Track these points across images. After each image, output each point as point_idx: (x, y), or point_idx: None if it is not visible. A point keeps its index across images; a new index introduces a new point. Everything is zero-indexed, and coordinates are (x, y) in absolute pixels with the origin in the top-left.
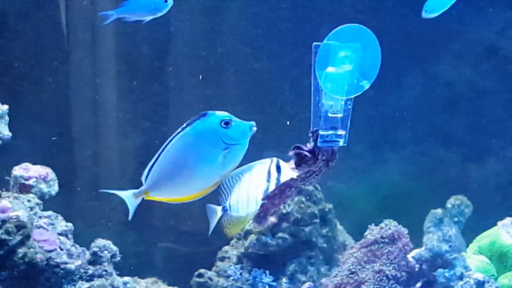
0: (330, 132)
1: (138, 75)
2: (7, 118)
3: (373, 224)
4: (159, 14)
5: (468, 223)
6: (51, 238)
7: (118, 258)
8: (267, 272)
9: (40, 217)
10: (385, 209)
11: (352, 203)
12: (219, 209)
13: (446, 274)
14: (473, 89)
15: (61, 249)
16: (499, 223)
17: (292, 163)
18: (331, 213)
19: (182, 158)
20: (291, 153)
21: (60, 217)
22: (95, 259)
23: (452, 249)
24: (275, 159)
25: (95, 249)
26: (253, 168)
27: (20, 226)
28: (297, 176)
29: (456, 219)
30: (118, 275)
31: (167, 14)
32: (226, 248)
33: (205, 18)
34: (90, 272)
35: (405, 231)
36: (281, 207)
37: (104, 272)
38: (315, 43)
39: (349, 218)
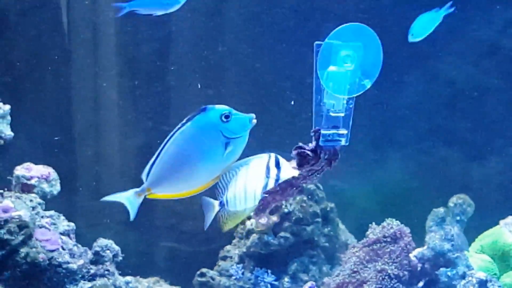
0: (332, 131)
1: (139, 75)
2: (9, 118)
3: (374, 223)
4: (170, 10)
5: (470, 222)
6: (53, 237)
7: (120, 258)
8: (269, 271)
9: (42, 216)
10: (387, 208)
11: (354, 202)
12: (216, 203)
13: (449, 273)
14: (475, 87)
15: (63, 249)
16: (502, 222)
17: (293, 163)
18: (333, 212)
19: (183, 153)
20: (293, 153)
21: (62, 217)
22: (97, 259)
23: (455, 248)
24: (273, 155)
25: (97, 248)
26: (250, 162)
27: (22, 225)
28: (299, 174)
29: (458, 218)
30: (120, 274)
31: (169, 13)
32: (228, 247)
33: (206, 17)
34: (92, 271)
35: (407, 230)
36: (282, 204)
37: (106, 272)
38: (316, 42)
39: (351, 217)
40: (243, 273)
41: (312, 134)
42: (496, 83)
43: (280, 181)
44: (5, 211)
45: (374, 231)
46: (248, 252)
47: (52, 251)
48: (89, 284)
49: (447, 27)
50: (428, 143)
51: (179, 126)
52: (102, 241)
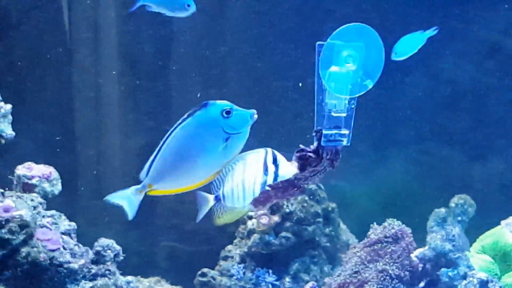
0: (334, 131)
1: (141, 74)
2: (10, 117)
3: (375, 224)
4: (179, 15)
5: (472, 222)
6: (54, 237)
7: (121, 258)
8: (270, 271)
9: (43, 216)
10: (388, 208)
11: (355, 202)
12: (211, 197)
13: (450, 274)
14: (476, 87)
15: (64, 249)
16: (503, 222)
17: (294, 163)
18: (334, 212)
19: (184, 148)
20: (295, 157)
21: (63, 216)
22: (98, 259)
23: (456, 249)
24: (269, 150)
25: (98, 248)
26: (246, 157)
27: (23, 225)
28: (301, 175)
29: (459, 218)
30: (121, 274)
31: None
32: (229, 247)
33: (208, 17)
34: (93, 271)
35: (408, 230)
36: (283, 204)
37: (107, 272)
38: (318, 42)
39: (352, 217)
40: (244, 273)
41: (314, 134)
42: (497, 83)
43: (279, 178)
44: (6, 210)
45: (375, 231)
46: (250, 252)
47: (53, 250)
48: (90, 284)
49: (448, 27)
50: (429, 143)
51: (179, 121)
52: (103, 241)
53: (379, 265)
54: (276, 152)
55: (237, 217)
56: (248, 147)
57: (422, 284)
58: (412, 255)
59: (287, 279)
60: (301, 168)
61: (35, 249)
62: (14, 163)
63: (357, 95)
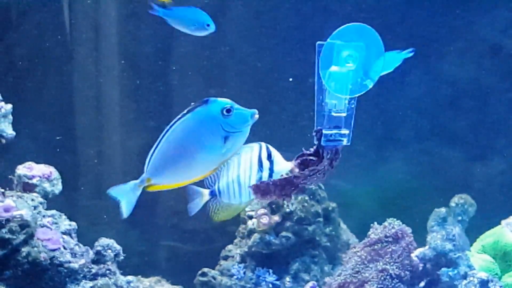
0: (334, 131)
1: (141, 74)
2: (10, 117)
3: (375, 223)
4: (198, 34)
5: (472, 222)
6: (55, 237)
7: (122, 257)
8: (271, 271)
9: (43, 216)
10: (389, 208)
11: (355, 202)
12: (206, 192)
13: (450, 273)
14: (477, 87)
15: (65, 248)
16: (503, 222)
17: (295, 168)
18: (335, 212)
19: (182, 143)
20: (295, 163)
21: (63, 216)
22: (98, 258)
23: (456, 248)
24: (264, 145)
25: (99, 248)
26: (240, 152)
27: (24, 225)
28: (301, 173)
29: (460, 218)
30: (121, 274)
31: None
32: (229, 247)
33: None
34: (93, 271)
35: (408, 230)
36: (283, 203)
37: (107, 271)
38: (318, 42)
39: (353, 217)
40: (244, 273)
41: (314, 134)
42: (498, 83)
43: (274, 175)
44: (7, 210)
45: (376, 231)
46: (250, 252)
47: (54, 250)
48: (91, 284)
49: (449, 27)
50: (430, 143)
51: (179, 116)
52: (103, 241)
53: (379, 264)
54: (271, 147)
55: (234, 214)
56: None
57: (422, 283)
58: (412, 255)
59: (288, 278)
60: (303, 170)
61: (35, 248)
62: (15, 163)
63: (357, 95)
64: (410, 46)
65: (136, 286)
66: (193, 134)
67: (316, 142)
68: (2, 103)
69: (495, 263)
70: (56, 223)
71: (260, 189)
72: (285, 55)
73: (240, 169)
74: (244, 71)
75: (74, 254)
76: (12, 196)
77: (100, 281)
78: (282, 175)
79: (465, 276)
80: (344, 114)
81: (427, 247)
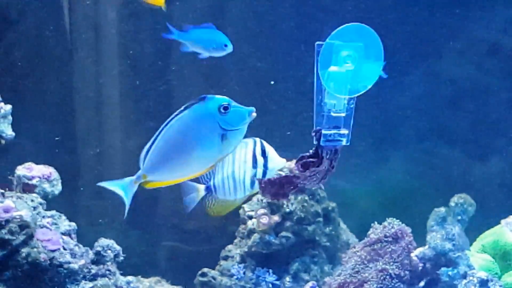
0: (333, 131)
1: (141, 75)
2: (10, 117)
3: (376, 223)
4: (215, 54)
5: (472, 222)
6: (55, 237)
7: (122, 258)
8: (271, 271)
9: (43, 216)
10: (388, 207)
11: (355, 201)
12: (201, 187)
13: (450, 273)
14: (476, 87)
15: (65, 249)
16: (503, 221)
17: (296, 171)
18: (335, 211)
19: (179, 140)
20: (297, 166)
21: (63, 217)
22: (98, 259)
23: (456, 248)
24: (258, 141)
25: (99, 248)
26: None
27: (24, 225)
28: (302, 174)
29: (459, 217)
30: (121, 274)
31: (170, 12)
32: (229, 247)
33: (207, 17)
34: (93, 271)
35: (408, 229)
36: (283, 203)
37: (107, 272)
38: (317, 42)
39: (353, 217)
40: (244, 273)
41: (313, 134)
42: (497, 83)
43: (268, 171)
44: (6, 211)
45: (375, 231)
46: (250, 252)
47: (53, 251)
48: (90, 284)
49: (448, 26)
50: (429, 143)
51: (176, 112)
52: (103, 241)
53: (379, 264)
54: (265, 143)
55: (229, 210)
56: None
57: (422, 283)
58: (412, 255)
59: (288, 278)
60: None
61: (35, 249)
62: (14, 164)
63: (356, 95)
64: (410, 45)
65: (136, 287)
66: (190, 131)
67: (315, 142)
68: (2, 104)
69: (495, 263)
70: (55, 224)
71: (269, 188)
72: (284, 55)
73: (234, 165)
74: (243, 71)
75: (74, 255)
76: (11, 196)
77: (100, 281)
78: (278, 172)
79: (464, 276)
80: (343, 114)
81: (426, 246)
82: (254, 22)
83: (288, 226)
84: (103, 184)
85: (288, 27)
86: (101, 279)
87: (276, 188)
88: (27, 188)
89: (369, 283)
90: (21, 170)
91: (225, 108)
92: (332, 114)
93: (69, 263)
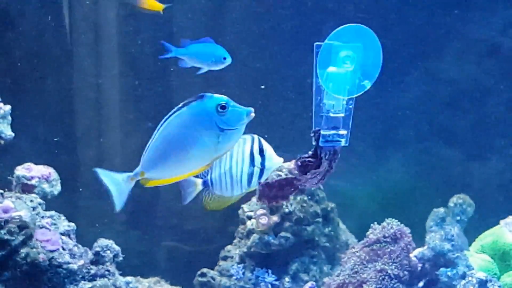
0: (332, 132)
1: (140, 75)
2: (9, 118)
3: (375, 223)
4: (215, 68)
5: (471, 222)
6: (54, 238)
7: (121, 258)
8: (270, 271)
9: (42, 217)
10: (388, 208)
11: (354, 202)
12: (199, 181)
13: (449, 273)
14: (475, 87)
15: (64, 249)
16: (502, 221)
17: (295, 172)
18: (334, 212)
19: (175, 137)
20: (296, 166)
21: (62, 217)
22: (97, 259)
23: (455, 248)
24: (256, 139)
25: (98, 249)
26: None
27: (23, 226)
28: (302, 176)
29: (458, 218)
30: (120, 274)
31: (170, 12)
32: (228, 247)
33: (207, 17)
34: (92, 272)
35: (407, 230)
36: (282, 204)
37: (106, 272)
38: (316, 43)
39: (352, 217)
40: (243, 273)
41: (312, 135)
42: (496, 83)
43: (265, 170)
44: (6, 211)
45: (374, 231)
46: (249, 252)
47: (53, 251)
48: (90, 285)
49: (447, 27)
50: (428, 143)
51: (174, 109)
52: (102, 241)
53: (378, 265)
54: (263, 141)
55: (225, 205)
56: None
57: (421, 284)
58: (411, 255)
59: (287, 279)
60: (302, 174)
61: (34, 249)
62: (14, 164)
63: (355, 96)
64: (409, 45)
65: (135, 287)
66: (187, 129)
67: (314, 143)
68: (1, 104)
69: (494, 263)
70: (55, 224)
71: (266, 193)
72: (283, 55)
73: (232, 161)
74: (243, 72)
75: (73, 255)
76: (11, 197)
77: (99, 282)
78: (277, 172)
79: (463, 276)
80: (342, 115)
81: (425, 247)
82: (253, 23)
83: (287, 226)
84: (100, 172)
85: (287, 27)
86: (100, 279)
87: (275, 191)
88: (26, 188)
89: (368, 283)
90: (20, 171)
91: (223, 107)
92: (331, 114)
93: (68, 263)
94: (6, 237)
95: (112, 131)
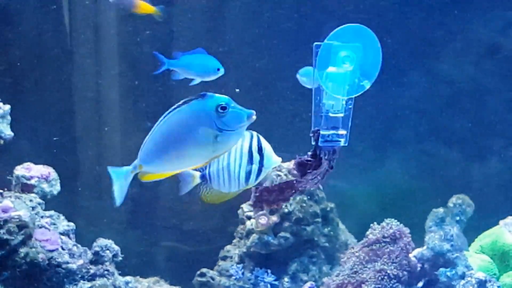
0: (331, 132)
1: (140, 75)
2: (9, 117)
3: (375, 223)
4: (208, 79)
5: (470, 222)
6: (53, 237)
7: (120, 258)
8: (269, 271)
9: (42, 216)
10: (387, 208)
11: (354, 202)
12: (197, 174)
13: (448, 273)
14: (475, 87)
15: (63, 249)
16: (501, 222)
17: (294, 172)
18: (333, 212)
19: (174, 133)
20: (295, 166)
21: (62, 217)
22: (96, 259)
23: (454, 248)
24: (255, 136)
25: (97, 248)
26: None
27: (22, 226)
28: (303, 178)
29: (458, 218)
30: (120, 274)
31: (169, 13)
32: (228, 247)
33: (207, 17)
34: (91, 271)
35: (406, 230)
36: (281, 204)
37: (105, 272)
38: (316, 43)
39: (351, 217)
40: (243, 273)
41: (311, 135)
42: (496, 83)
43: (263, 169)
44: (5, 211)
45: (374, 232)
46: (248, 252)
47: (52, 251)
48: (89, 284)
49: (447, 27)
50: (428, 143)
51: (175, 106)
52: (101, 241)
53: (377, 265)
54: (262, 139)
55: (222, 200)
56: None
57: (420, 284)
58: (410, 255)
59: (286, 279)
60: (302, 175)
61: (33, 249)
62: (13, 164)
63: (355, 96)
64: (408, 45)
65: (134, 287)
66: (185, 126)
67: (313, 143)
68: (1, 104)
69: (493, 263)
70: (54, 224)
71: (256, 202)
72: (283, 55)
73: (230, 158)
74: (242, 72)
75: (72, 255)
76: (10, 196)
77: (98, 281)
78: (275, 172)
79: (463, 276)
80: (341, 115)
81: (425, 247)
82: (253, 23)
83: (286, 226)
84: (111, 170)
85: (287, 27)
86: (99, 279)
87: (276, 195)
88: (26, 188)
89: (367, 283)
90: (19, 170)
91: (223, 108)
92: (331, 114)
93: (68, 263)
94: (6, 236)
95: (112, 131)
